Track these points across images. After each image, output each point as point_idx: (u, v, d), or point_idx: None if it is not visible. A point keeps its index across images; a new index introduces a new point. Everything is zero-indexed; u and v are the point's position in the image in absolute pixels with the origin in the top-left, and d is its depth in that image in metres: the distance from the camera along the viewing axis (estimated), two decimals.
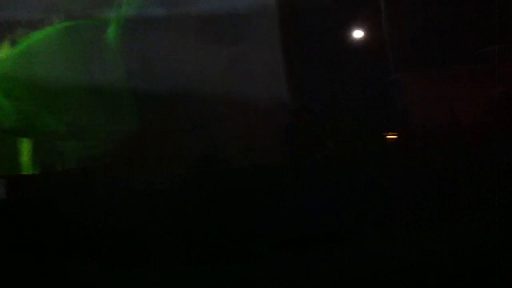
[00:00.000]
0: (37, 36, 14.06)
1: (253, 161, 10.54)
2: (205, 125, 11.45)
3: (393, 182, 10.05)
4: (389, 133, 12.57)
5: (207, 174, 10.26)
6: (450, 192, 10.22)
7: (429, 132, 13.77)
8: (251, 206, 9.56)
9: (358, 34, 18.07)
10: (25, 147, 12.03)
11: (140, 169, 13.06)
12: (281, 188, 9.42)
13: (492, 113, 13.68)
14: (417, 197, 9.75)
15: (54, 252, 8.41)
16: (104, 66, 14.39)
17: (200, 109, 14.65)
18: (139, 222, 10.04)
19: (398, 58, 17.64)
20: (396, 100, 17.53)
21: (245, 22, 16.68)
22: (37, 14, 13.81)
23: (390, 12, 17.79)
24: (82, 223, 9.76)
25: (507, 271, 5.34)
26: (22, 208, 10.12)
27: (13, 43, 13.79)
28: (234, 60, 16.29)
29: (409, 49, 17.49)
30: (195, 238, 8.97)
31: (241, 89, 16.09)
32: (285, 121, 11.35)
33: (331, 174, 9.57)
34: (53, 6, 13.97)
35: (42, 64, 13.74)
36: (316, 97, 13.94)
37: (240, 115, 15.39)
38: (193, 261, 8.31)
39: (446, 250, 7.20)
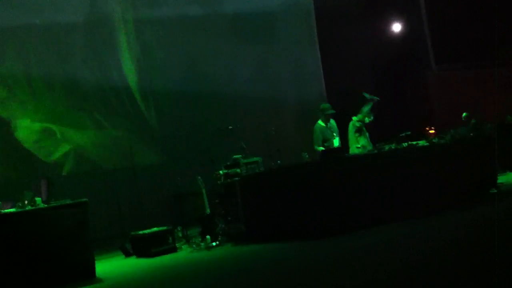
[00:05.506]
0: None
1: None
2: (234, 128, 11.43)
3: None
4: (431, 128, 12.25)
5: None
6: None
7: None
8: None
9: (395, 30, 17.67)
10: None
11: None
12: None
13: None
14: None
15: None
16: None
17: (232, 110, 14.60)
18: None
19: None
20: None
21: (280, 20, 16.46)
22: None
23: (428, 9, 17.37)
24: None
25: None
26: None
27: None
28: (268, 59, 16.12)
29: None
30: None
31: (275, 90, 15.94)
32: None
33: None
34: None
35: None
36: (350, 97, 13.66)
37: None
38: None
39: None
